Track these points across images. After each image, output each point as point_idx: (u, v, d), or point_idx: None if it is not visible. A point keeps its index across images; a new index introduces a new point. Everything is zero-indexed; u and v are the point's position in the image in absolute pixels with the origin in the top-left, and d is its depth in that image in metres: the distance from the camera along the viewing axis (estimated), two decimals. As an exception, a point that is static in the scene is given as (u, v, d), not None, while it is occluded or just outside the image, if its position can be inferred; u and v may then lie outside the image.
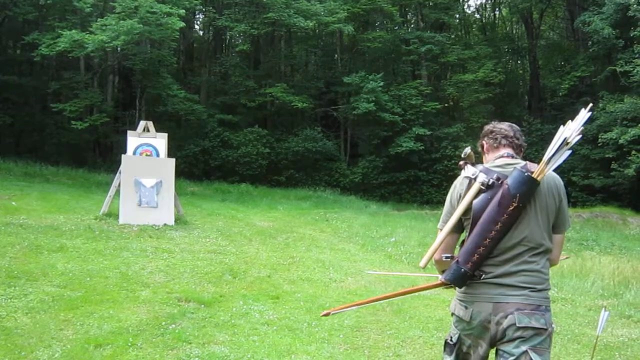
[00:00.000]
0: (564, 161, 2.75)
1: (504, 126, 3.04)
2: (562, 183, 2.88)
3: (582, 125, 2.68)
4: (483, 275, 2.76)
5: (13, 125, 23.87)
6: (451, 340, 2.95)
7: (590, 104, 2.79)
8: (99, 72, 24.93)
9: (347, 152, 29.49)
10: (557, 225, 2.85)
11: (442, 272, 2.90)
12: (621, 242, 15.76)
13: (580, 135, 2.69)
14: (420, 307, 6.77)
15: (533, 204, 2.75)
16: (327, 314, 3.40)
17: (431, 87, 29.17)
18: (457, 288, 2.89)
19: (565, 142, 2.67)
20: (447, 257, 2.87)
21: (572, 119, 2.69)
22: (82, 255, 8.02)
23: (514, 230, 2.74)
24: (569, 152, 2.72)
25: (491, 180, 2.78)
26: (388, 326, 5.91)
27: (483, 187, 2.79)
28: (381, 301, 3.35)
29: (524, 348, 2.64)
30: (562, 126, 2.72)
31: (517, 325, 2.64)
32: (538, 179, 2.70)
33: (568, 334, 6.05)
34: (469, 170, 2.89)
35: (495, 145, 3.00)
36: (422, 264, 2.90)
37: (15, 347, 4.58)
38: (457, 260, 2.80)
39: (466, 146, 3.23)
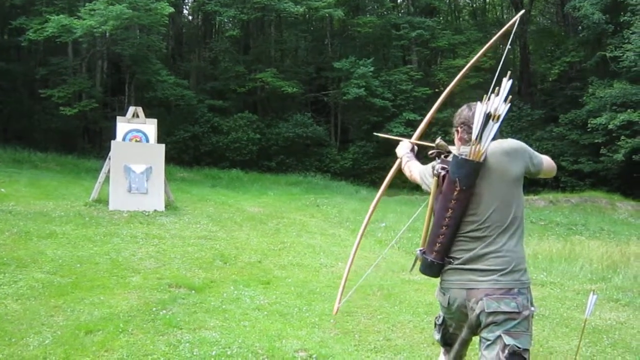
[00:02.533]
0: (497, 133, 2.73)
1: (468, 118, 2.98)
2: (516, 144, 2.84)
3: (507, 95, 2.68)
4: (453, 262, 2.81)
5: (1, 111, 23.67)
6: (438, 320, 3.12)
7: (510, 72, 2.78)
8: (87, 57, 24.68)
9: (337, 138, 29.45)
10: (533, 173, 2.88)
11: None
12: (610, 226, 15.86)
13: (509, 104, 2.69)
14: (410, 292, 6.81)
15: (487, 183, 2.76)
16: (336, 312, 3.58)
17: (421, 73, 29.12)
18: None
19: (492, 117, 2.66)
20: (421, 252, 2.93)
21: (496, 93, 2.67)
22: (72, 242, 8.01)
23: (474, 212, 2.77)
24: (498, 124, 2.70)
25: (442, 173, 2.83)
26: (378, 311, 5.95)
27: (437, 179, 2.86)
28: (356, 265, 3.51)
29: (498, 332, 2.67)
30: (479, 103, 2.73)
31: (486, 310, 2.67)
32: (476, 159, 2.71)
33: (557, 318, 6.10)
34: (435, 165, 2.94)
35: (467, 138, 2.98)
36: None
37: (5, 333, 4.57)
38: (424, 252, 2.88)
39: (437, 136, 3.27)
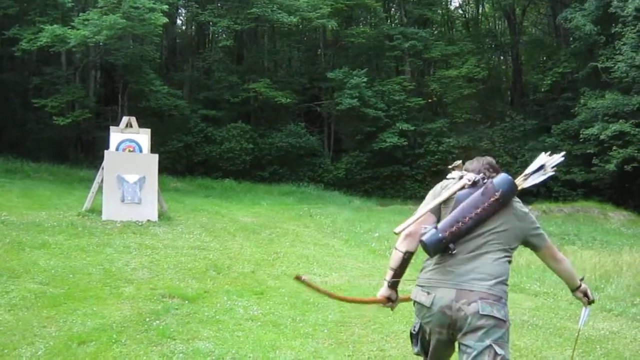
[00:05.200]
0: (539, 184, 3.17)
1: (472, 166, 3.19)
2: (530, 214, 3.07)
3: (555, 166, 3.09)
4: (455, 251, 2.86)
5: (-7, 121, 23.62)
6: (414, 330, 3.09)
7: (564, 152, 3.40)
8: (81, 67, 24.69)
9: (330, 148, 29.47)
10: (536, 245, 3.08)
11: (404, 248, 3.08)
12: (602, 236, 15.90)
13: (553, 173, 3.09)
14: (403, 303, 6.79)
15: (509, 213, 2.94)
16: (298, 278, 3.40)
17: (415, 83, 29.21)
18: (419, 275, 3.04)
19: (543, 168, 3.05)
20: (426, 227, 2.97)
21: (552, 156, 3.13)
22: (64, 252, 7.97)
23: (491, 223, 2.89)
24: (544, 177, 3.08)
25: (477, 178, 3.00)
26: (372, 321, 5.94)
27: (469, 183, 3.00)
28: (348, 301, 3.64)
29: (487, 342, 2.70)
30: (543, 153, 3.12)
31: (481, 313, 2.71)
32: (519, 186, 2.99)
33: (550, 328, 6.12)
34: (456, 172, 3.16)
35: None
36: (397, 229, 3.08)
37: (-3, 344, 4.55)
38: (436, 227, 2.91)
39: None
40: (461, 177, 3.07)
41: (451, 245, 2.85)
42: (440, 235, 2.86)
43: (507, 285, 2.88)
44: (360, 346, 5.18)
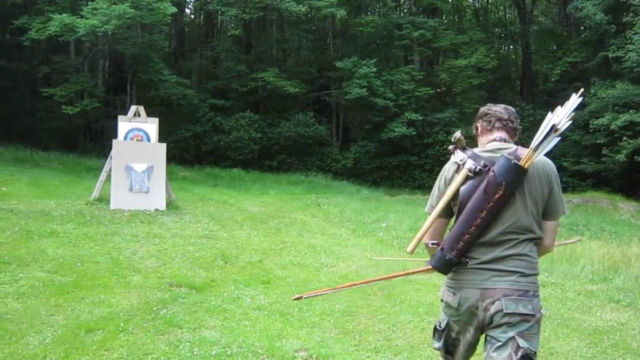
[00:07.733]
0: (553, 148, 2.68)
1: (499, 109, 3.00)
2: (553, 169, 2.82)
3: (573, 111, 2.63)
4: (469, 262, 2.74)
5: (2, 110, 23.67)
6: (440, 326, 2.97)
7: (582, 90, 2.76)
8: (90, 56, 24.72)
9: (339, 137, 29.42)
10: (548, 212, 2.81)
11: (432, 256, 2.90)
12: (611, 227, 15.84)
13: (571, 121, 2.65)
14: (410, 292, 6.79)
15: (521, 190, 2.71)
16: (298, 298, 3.42)
17: (423, 73, 29.08)
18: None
19: (554, 129, 2.63)
20: (433, 244, 2.87)
21: (562, 104, 2.64)
22: (73, 241, 8.01)
23: (501, 216, 2.71)
24: (558, 138, 2.67)
25: (478, 167, 2.75)
26: (379, 311, 5.93)
27: (470, 174, 2.76)
28: (360, 285, 3.42)
29: (511, 334, 2.62)
30: (550, 112, 2.69)
31: (504, 311, 2.63)
32: (525, 166, 2.66)
33: (557, 319, 6.09)
34: (457, 156, 2.85)
35: (488, 128, 2.97)
36: (409, 249, 2.90)
37: (5, 332, 4.57)
38: (442, 247, 2.79)
39: (456, 130, 3.21)
40: (461, 163, 2.80)
41: (463, 260, 2.75)
42: (447, 257, 2.75)
43: (535, 275, 2.74)
44: (367, 336, 5.17)
